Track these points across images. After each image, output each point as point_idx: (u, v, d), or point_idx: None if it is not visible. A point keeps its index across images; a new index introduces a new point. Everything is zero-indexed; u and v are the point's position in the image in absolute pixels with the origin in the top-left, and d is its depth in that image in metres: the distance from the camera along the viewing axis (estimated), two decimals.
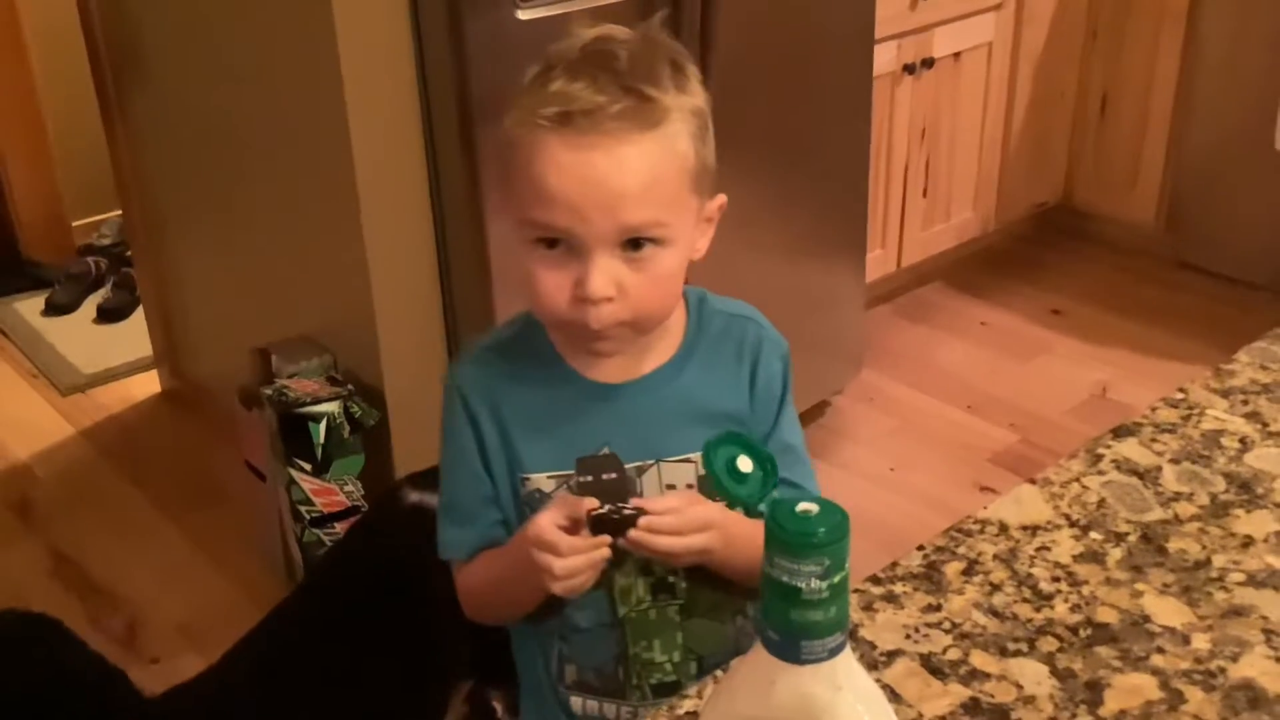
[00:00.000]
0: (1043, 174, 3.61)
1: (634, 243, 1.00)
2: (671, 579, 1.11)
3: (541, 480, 1.10)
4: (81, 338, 3.47)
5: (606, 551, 0.99)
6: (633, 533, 0.99)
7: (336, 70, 2.10)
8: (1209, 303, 3.32)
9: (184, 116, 2.71)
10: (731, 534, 1.03)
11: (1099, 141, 3.58)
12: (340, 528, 2.35)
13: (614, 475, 0.98)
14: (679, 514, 1.00)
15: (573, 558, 0.99)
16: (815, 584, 0.60)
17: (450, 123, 2.18)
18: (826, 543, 0.59)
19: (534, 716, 1.23)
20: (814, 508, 0.61)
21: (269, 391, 2.33)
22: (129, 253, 3.74)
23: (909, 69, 3.06)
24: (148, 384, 3.23)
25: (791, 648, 0.62)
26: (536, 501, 1.09)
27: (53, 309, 3.60)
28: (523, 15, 2.13)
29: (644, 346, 1.09)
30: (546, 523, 1.00)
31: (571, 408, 1.09)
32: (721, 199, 1.09)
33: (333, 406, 2.29)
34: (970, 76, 3.26)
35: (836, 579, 0.60)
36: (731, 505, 1.02)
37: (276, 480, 2.37)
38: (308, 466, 2.30)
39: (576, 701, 1.16)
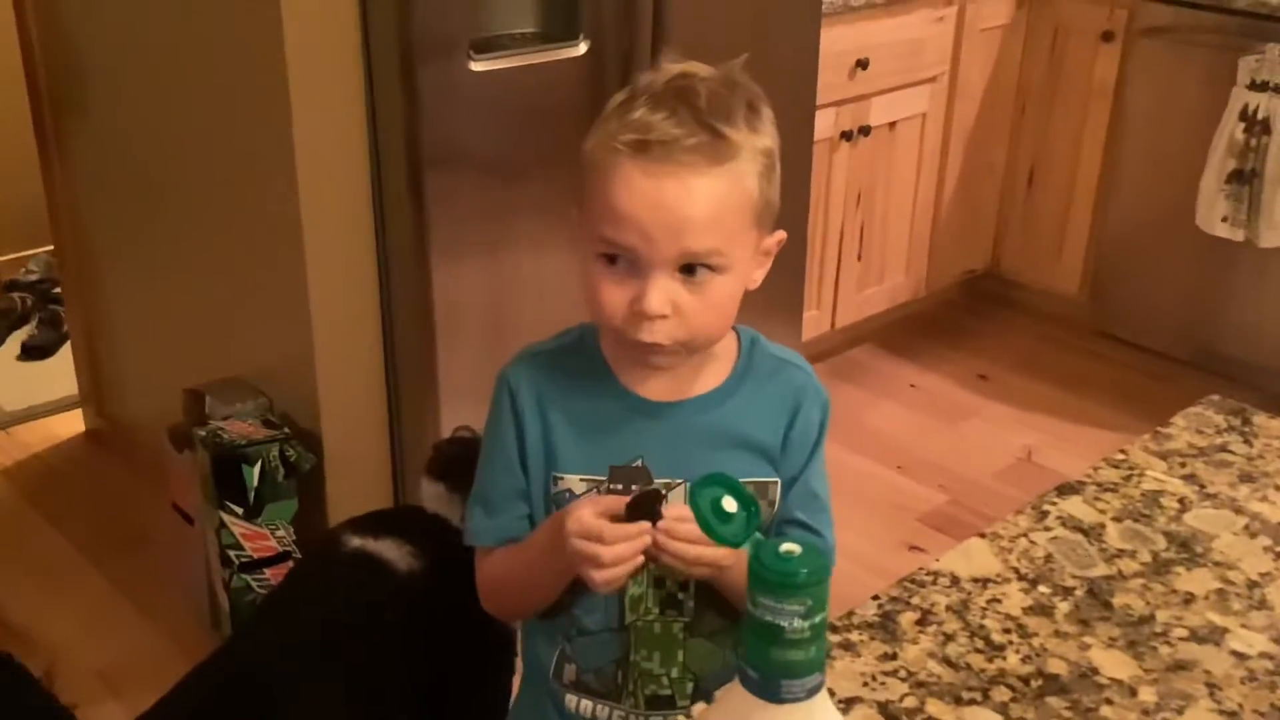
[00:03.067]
0: (972, 242, 3.70)
1: (691, 268, 1.06)
2: (681, 596, 1.15)
3: (573, 481, 1.14)
4: (4, 375, 3.39)
5: (648, 539, 1.01)
6: (657, 529, 1.01)
7: (287, 115, 2.10)
8: (1128, 372, 3.42)
9: (124, 156, 2.68)
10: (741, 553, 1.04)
11: (1026, 213, 3.69)
12: (271, 573, 2.32)
13: (654, 489, 1.02)
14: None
15: (619, 545, 1.01)
16: (798, 624, 0.61)
17: (399, 170, 2.19)
18: (809, 583, 0.61)
19: (527, 710, 1.26)
20: (797, 549, 0.62)
21: (203, 433, 2.30)
22: (56, 290, 3.69)
23: (846, 136, 3.13)
24: (72, 423, 3.16)
25: (771, 687, 0.63)
26: (565, 500, 1.14)
27: None
28: (475, 66, 2.15)
29: (691, 370, 1.15)
30: (588, 513, 1.03)
31: (613, 418, 1.14)
32: (781, 235, 1.14)
33: (268, 449, 2.26)
34: (905, 145, 3.35)
35: (818, 619, 0.62)
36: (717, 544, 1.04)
37: (206, 523, 2.33)
38: (239, 510, 2.27)
39: (571, 700, 1.20)
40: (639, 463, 1.10)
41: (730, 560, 1.03)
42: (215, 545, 2.31)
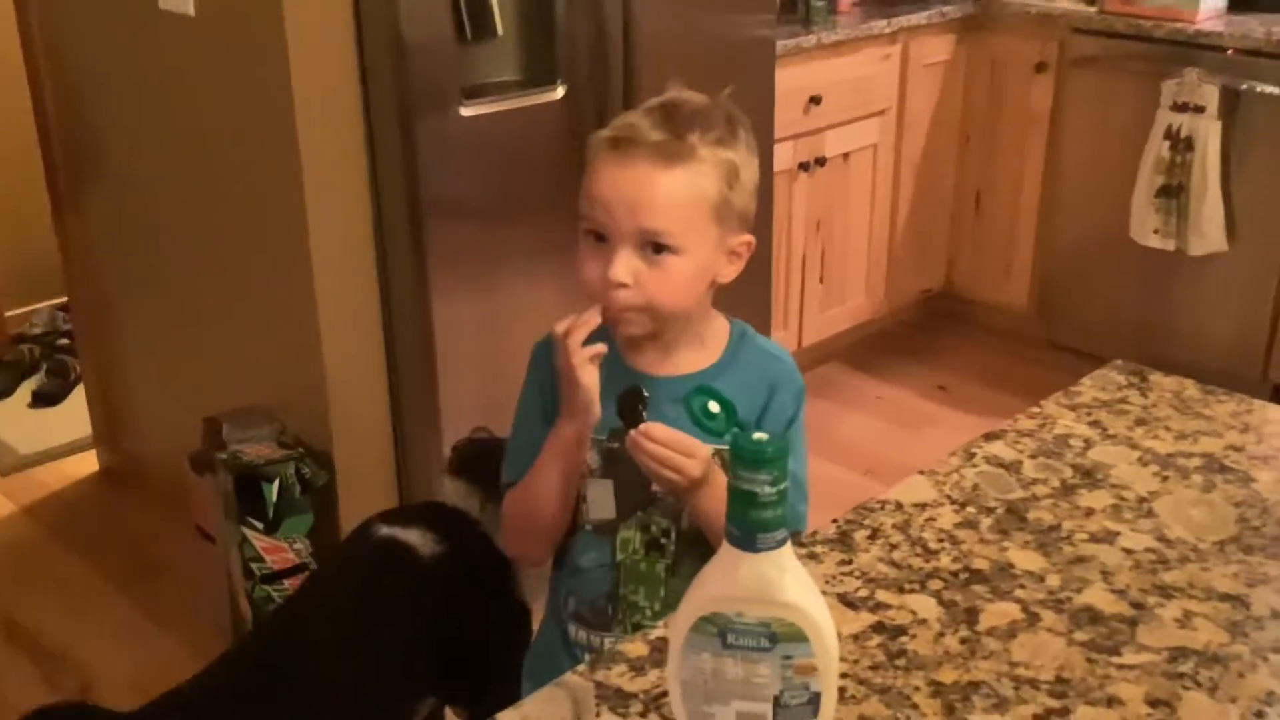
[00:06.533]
0: (927, 263, 3.95)
1: (654, 247, 1.28)
2: (664, 541, 1.37)
3: None
4: (17, 421, 3.58)
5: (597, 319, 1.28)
6: (636, 430, 1.25)
7: (296, 165, 2.32)
8: (1076, 379, 3.64)
9: (137, 207, 2.88)
10: (710, 479, 1.27)
11: (975, 234, 3.95)
12: (290, 584, 2.51)
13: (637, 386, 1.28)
14: (678, 434, 1.26)
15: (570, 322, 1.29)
16: (767, 489, 0.83)
17: (399, 209, 2.40)
18: (774, 458, 0.83)
19: (543, 638, 1.50)
20: (765, 435, 0.84)
21: (223, 456, 2.49)
22: (61, 340, 3.89)
23: (804, 166, 3.38)
24: (86, 463, 3.35)
25: (749, 540, 0.84)
26: None
27: None
28: (465, 111, 2.38)
29: (681, 351, 1.36)
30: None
31: (613, 385, 1.35)
32: (748, 238, 1.36)
33: (285, 468, 2.46)
34: (859, 174, 3.60)
35: (781, 487, 0.83)
36: (706, 437, 1.27)
37: (228, 540, 2.52)
38: (260, 525, 2.46)
39: (572, 629, 1.42)
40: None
41: (696, 470, 1.25)
42: (238, 560, 2.50)
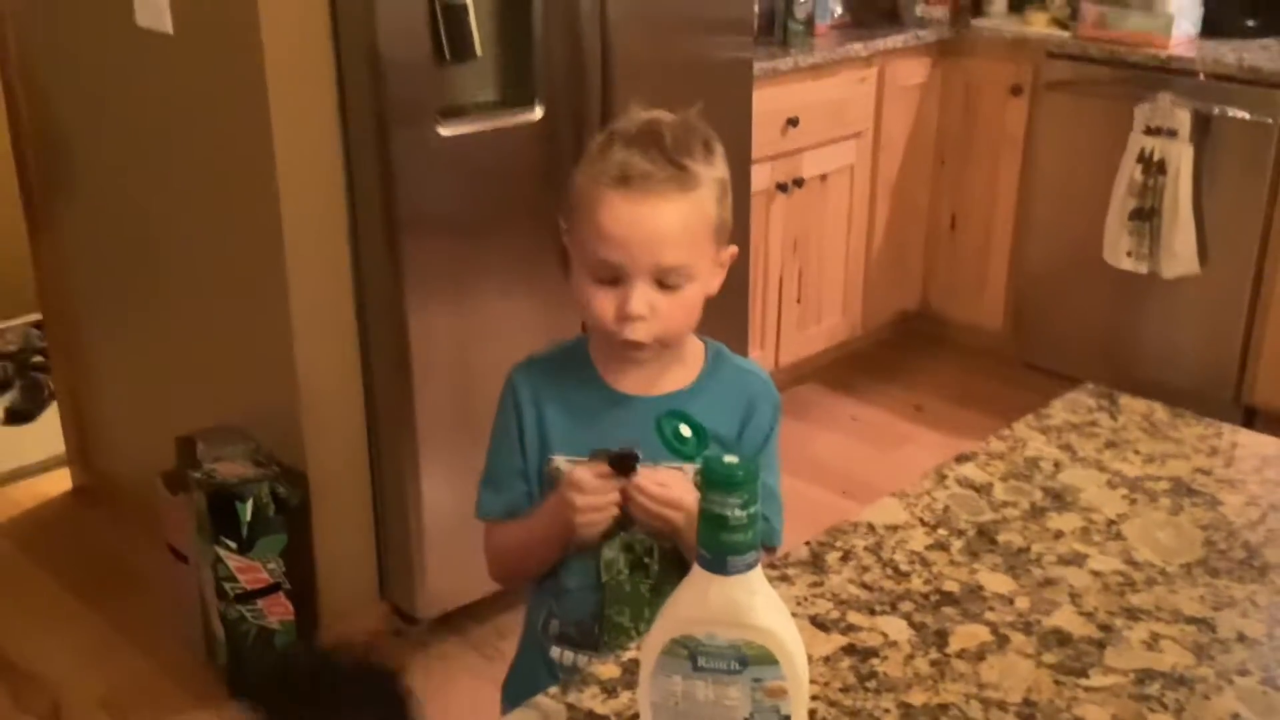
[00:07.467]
0: (902, 284, 3.98)
1: (667, 276, 1.29)
2: (647, 560, 1.38)
3: (561, 461, 1.37)
4: None
5: (617, 496, 1.27)
6: (630, 484, 1.26)
7: (273, 183, 2.32)
8: (1049, 399, 3.67)
9: (112, 224, 2.88)
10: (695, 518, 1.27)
11: (950, 255, 3.97)
12: (263, 604, 2.50)
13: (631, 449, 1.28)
14: (665, 489, 1.28)
15: (593, 495, 1.27)
16: (738, 513, 0.84)
17: (376, 228, 2.41)
18: (745, 481, 0.83)
19: (523, 662, 1.49)
20: (736, 459, 0.85)
21: (197, 475, 2.48)
22: (35, 358, 3.87)
23: (782, 187, 3.40)
24: (59, 481, 3.32)
25: (720, 563, 0.85)
26: (555, 477, 1.37)
27: None
28: (444, 131, 2.39)
29: (662, 370, 1.37)
30: (580, 470, 1.29)
31: (595, 409, 1.36)
32: (733, 249, 1.38)
33: (259, 487, 2.45)
34: (836, 195, 3.62)
35: (751, 510, 0.84)
36: (677, 461, 1.28)
37: (201, 560, 2.51)
38: (234, 544, 2.45)
39: (556, 651, 1.42)
40: (635, 447, 1.33)
41: (681, 519, 1.26)
42: (211, 579, 2.48)
